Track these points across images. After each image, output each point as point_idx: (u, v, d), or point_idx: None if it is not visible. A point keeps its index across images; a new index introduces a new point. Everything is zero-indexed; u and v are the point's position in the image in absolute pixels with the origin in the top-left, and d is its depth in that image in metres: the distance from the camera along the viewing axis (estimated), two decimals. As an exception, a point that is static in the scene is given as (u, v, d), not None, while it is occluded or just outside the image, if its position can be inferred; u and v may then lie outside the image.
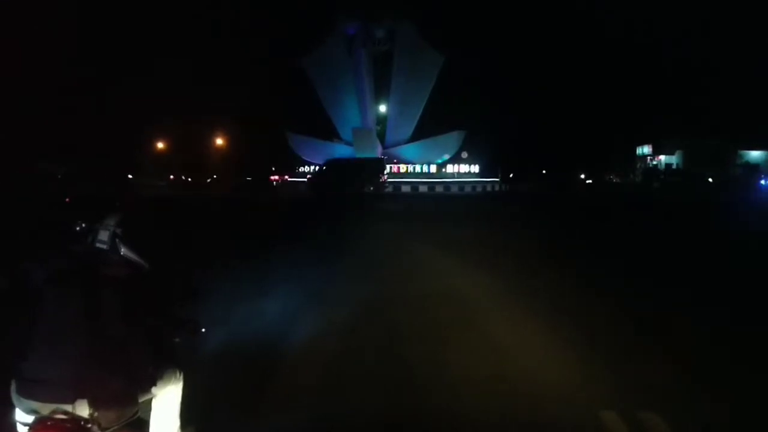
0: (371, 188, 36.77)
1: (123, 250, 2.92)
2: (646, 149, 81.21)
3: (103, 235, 2.94)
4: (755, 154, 70.54)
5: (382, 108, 57.66)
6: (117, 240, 2.92)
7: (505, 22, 69.95)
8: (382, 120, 57.70)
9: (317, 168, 46.63)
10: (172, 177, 57.08)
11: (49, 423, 2.63)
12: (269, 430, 4.36)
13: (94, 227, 2.96)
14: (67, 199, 4.14)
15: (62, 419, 2.65)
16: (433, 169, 54.93)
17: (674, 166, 73.31)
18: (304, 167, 57.41)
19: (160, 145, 62.55)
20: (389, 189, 43.28)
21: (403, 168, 54.55)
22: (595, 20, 75.39)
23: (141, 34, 64.53)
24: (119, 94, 57.00)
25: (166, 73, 59.03)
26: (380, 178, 38.98)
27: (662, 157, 77.21)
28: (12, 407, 2.72)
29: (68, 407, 2.67)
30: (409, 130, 55.99)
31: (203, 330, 3.33)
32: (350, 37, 54.10)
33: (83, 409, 2.68)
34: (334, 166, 40.88)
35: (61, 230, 3.03)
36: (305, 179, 49.32)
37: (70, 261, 2.88)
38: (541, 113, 74.03)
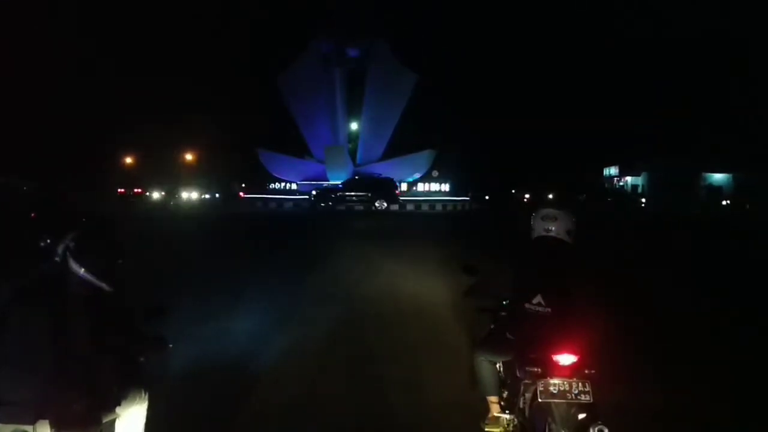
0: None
1: (81, 271, 2.86)
2: (613, 170, 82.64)
3: (60, 249, 2.89)
4: (718, 177, 72.23)
5: (354, 126, 57.87)
6: (68, 254, 2.86)
7: (476, 44, 70.92)
8: (354, 138, 57.85)
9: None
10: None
11: None
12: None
13: (57, 242, 2.90)
14: (32, 215, 4.07)
15: None
16: (404, 187, 55.12)
17: (640, 188, 74.73)
18: (275, 184, 57.19)
19: (129, 160, 61.81)
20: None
21: (374, 186, 54.66)
22: (563, 42, 76.90)
23: (111, 47, 64.00)
24: (85, 107, 56.29)
25: (136, 89, 58.55)
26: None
27: (628, 179, 78.62)
28: None
29: (29, 428, 2.62)
30: (381, 148, 56.18)
31: (170, 347, 3.29)
32: (324, 55, 54.26)
33: (44, 430, 2.62)
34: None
35: (26, 247, 2.98)
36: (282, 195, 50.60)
37: (35, 279, 2.82)
38: (511, 133, 74.99)
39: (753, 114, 60.76)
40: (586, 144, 78.42)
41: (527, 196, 74.79)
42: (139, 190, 55.43)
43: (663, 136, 69.73)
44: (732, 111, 63.73)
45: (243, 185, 59.95)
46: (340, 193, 40.82)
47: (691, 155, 67.52)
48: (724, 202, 61.12)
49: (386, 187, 42.41)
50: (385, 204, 39.81)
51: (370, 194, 40.52)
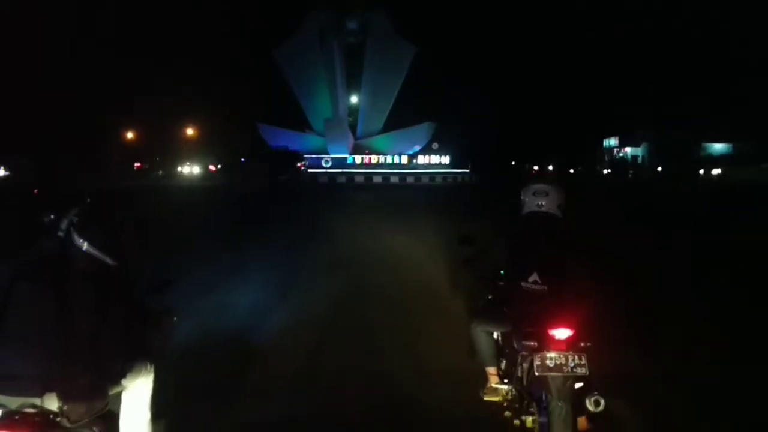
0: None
1: (85, 245, 2.88)
2: (613, 141, 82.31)
3: (64, 224, 2.90)
4: (718, 147, 71.99)
5: (354, 99, 57.55)
6: (72, 229, 2.89)
7: (475, 14, 70.19)
8: (353, 111, 57.59)
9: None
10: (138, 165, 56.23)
11: (17, 417, 2.61)
12: (242, 422, 4.36)
13: (61, 219, 2.92)
14: (35, 191, 4.07)
15: (31, 413, 2.64)
16: (405, 160, 55.01)
17: (639, 159, 74.53)
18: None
19: (130, 135, 61.62)
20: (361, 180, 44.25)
21: (374, 159, 54.52)
22: (564, 13, 76.04)
23: (112, 24, 63.32)
24: (86, 85, 55.97)
25: (136, 66, 58.14)
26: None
27: (628, 149, 78.37)
28: None
29: (37, 401, 2.66)
30: (380, 121, 56.00)
31: (174, 320, 3.32)
32: (321, 27, 53.74)
33: (52, 403, 2.66)
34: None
35: (30, 223, 2.99)
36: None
37: (40, 255, 2.84)
38: (510, 105, 74.57)
39: (754, 84, 60.28)
40: (585, 115, 78.02)
41: (535, 167, 74.53)
42: (139, 165, 55.72)
43: (663, 106, 69.26)
44: (732, 82, 63.24)
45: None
46: None
47: (691, 126, 67.19)
48: (715, 171, 61.33)
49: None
50: None
51: None
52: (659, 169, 64.00)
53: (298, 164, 45.38)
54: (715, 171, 61.68)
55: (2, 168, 52.66)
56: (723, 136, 69.85)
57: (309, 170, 52.06)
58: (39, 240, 2.91)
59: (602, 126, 78.53)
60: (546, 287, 3.80)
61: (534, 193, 4.12)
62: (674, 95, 70.33)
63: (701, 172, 61.55)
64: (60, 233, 2.89)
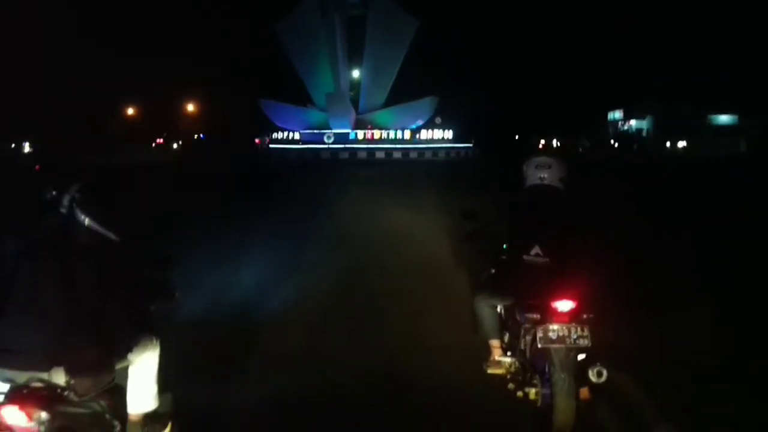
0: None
1: (87, 221, 2.89)
2: (618, 114, 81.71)
3: (66, 200, 2.92)
4: (724, 119, 71.44)
5: (356, 74, 57.09)
6: (74, 205, 2.90)
7: (478, -14, 69.29)
8: (355, 86, 57.16)
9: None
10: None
11: (25, 391, 2.64)
12: (247, 391, 4.40)
13: (62, 194, 2.93)
14: (36, 167, 4.07)
15: (38, 387, 2.67)
16: (407, 135, 54.68)
17: (644, 132, 74.05)
18: (277, 133, 56.83)
19: (131, 111, 61.44)
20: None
21: (377, 134, 54.26)
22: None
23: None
24: (87, 63, 55.68)
25: (135, 40, 57.70)
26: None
27: (633, 122, 77.83)
28: None
29: (44, 375, 2.69)
30: (383, 95, 55.56)
31: (178, 295, 3.35)
32: (324, 1, 53.12)
33: (59, 377, 2.70)
34: None
35: (33, 199, 2.99)
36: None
37: (44, 231, 2.86)
38: (513, 78, 73.97)
39: (760, 55, 59.61)
40: (589, 88, 77.35)
41: (542, 141, 74.03)
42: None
43: (668, 78, 68.60)
44: (738, 52, 62.53)
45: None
46: None
47: (698, 97, 66.57)
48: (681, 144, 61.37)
49: None
50: None
51: None
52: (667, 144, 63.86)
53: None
54: (681, 144, 62.48)
55: (27, 144, 53.01)
56: (729, 107, 69.25)
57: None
58: (42, 216, 2.93)
59: (606, 98, 77.89)
60: (548, 259, 3.81)
61: (536, 166, 4.13)
62: (680, 66, 69.60)
63: (667, 145, 62.03)
64: (62, 209, 2.91)
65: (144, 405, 3.21)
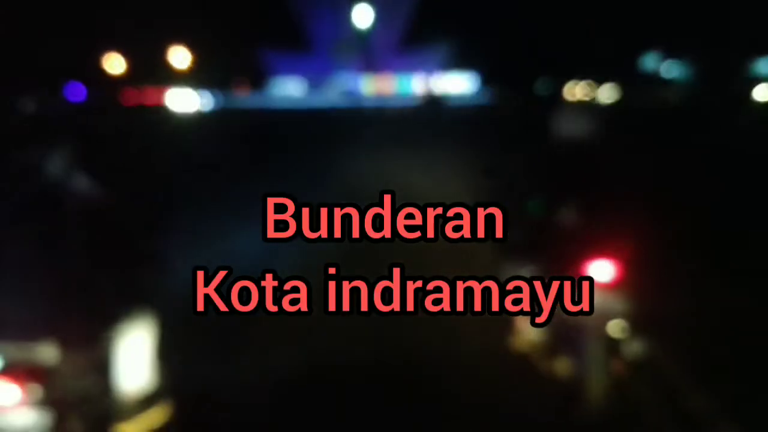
0: None
1: (76, 184, 2.89)
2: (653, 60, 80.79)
3: (58, 161, 2.91)
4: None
5: (366, 19, 56.39)
6: (62, 168, 2.90)
7: None
8: (365, 34, 56.55)
9: None
10: None
11: (15, 365, 2.69)
12: (245, 368, 4.41)
13: (49, 154, 2.91)
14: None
15: (29, 360, 2.71)
16: (421, 88, 54.03)
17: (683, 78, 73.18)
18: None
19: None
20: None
21: (387, 87, 53.80)
22: None
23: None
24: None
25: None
26: None
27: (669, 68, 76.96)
28: None
29: (34, 348, 2.72)
30: (394, 42, 55.08)
31: (172, 264, 3.33)
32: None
33: (50, 350, 2.73)
34: None
35: (18, 160, 2.99)
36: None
37: (30, 195, 2.85)
38: (536, 19, 72.41)
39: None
40: (622, 29, 75.91)
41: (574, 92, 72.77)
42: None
43: (709, 20, 67.15)
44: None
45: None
46: None
47: (737, 43, 65.36)
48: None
49: None
50: None
51: None
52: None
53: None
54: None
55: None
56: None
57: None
58: (29, 180, 2.90)
59: (641, 42, 76.38)
60: (582, 221, 3.67)
61: (566, 118, 3.97)
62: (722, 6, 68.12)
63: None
64: (53, 169, 2.90)
65: (137, 381, 3.19)
